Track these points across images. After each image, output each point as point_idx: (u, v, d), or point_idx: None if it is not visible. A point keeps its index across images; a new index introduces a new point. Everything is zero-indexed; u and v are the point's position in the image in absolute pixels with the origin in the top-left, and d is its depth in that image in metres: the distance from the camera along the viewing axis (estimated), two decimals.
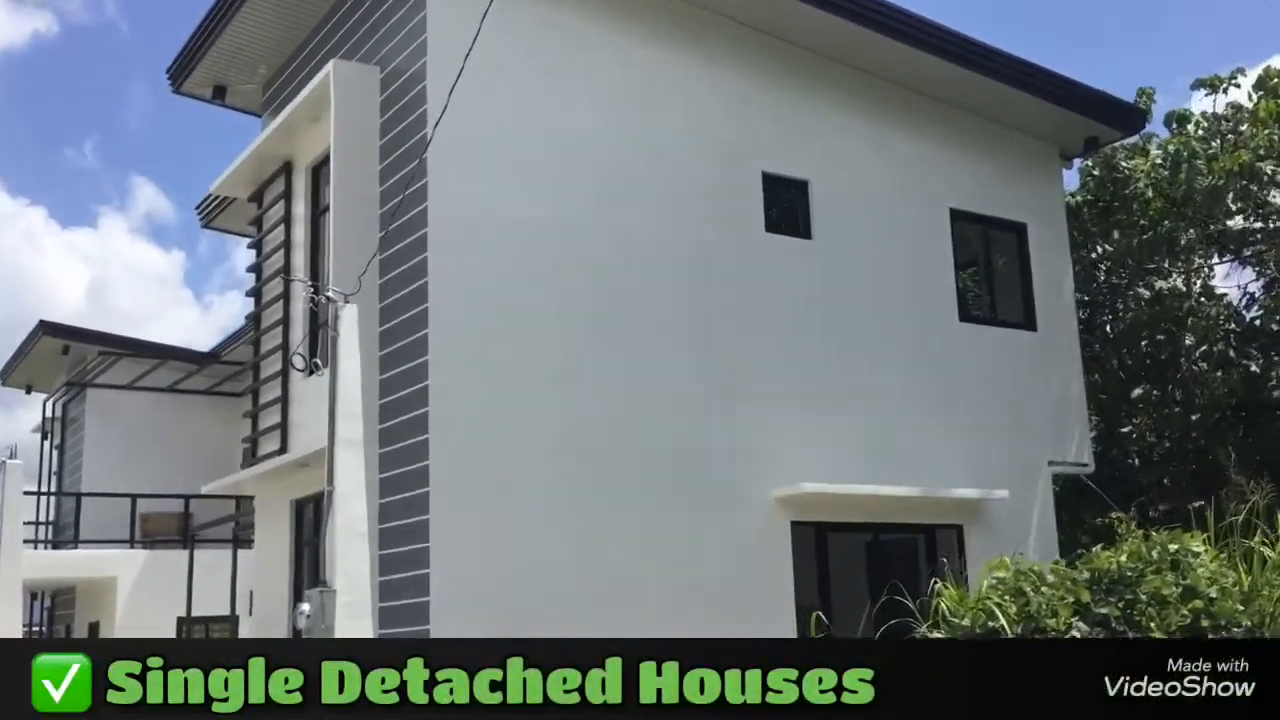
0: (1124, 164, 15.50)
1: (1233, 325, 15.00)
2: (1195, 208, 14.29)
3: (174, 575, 16.49)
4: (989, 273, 14.75)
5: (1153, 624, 5.18)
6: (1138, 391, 16.50)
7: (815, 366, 12.41)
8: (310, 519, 12.06)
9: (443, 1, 10.98)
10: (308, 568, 12.17)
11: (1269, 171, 13.34)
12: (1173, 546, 5.66)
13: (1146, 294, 15.95)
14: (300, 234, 12.93)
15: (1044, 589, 5.61)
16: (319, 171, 12.90)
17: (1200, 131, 15.49)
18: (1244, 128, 14.64)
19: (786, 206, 12.93)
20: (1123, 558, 5.63)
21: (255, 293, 13.59)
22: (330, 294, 7.65)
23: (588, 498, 10.68)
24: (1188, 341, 16.15)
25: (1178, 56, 37.86)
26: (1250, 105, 15.52)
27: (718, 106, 12.42)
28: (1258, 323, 15.35)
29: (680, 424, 11.38)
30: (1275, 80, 15.45)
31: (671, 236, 11.77)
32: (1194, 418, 15.40)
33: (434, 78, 10.69)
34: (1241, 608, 5.35)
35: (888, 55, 13.26)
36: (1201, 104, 18.00)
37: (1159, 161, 14.96)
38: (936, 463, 12.91)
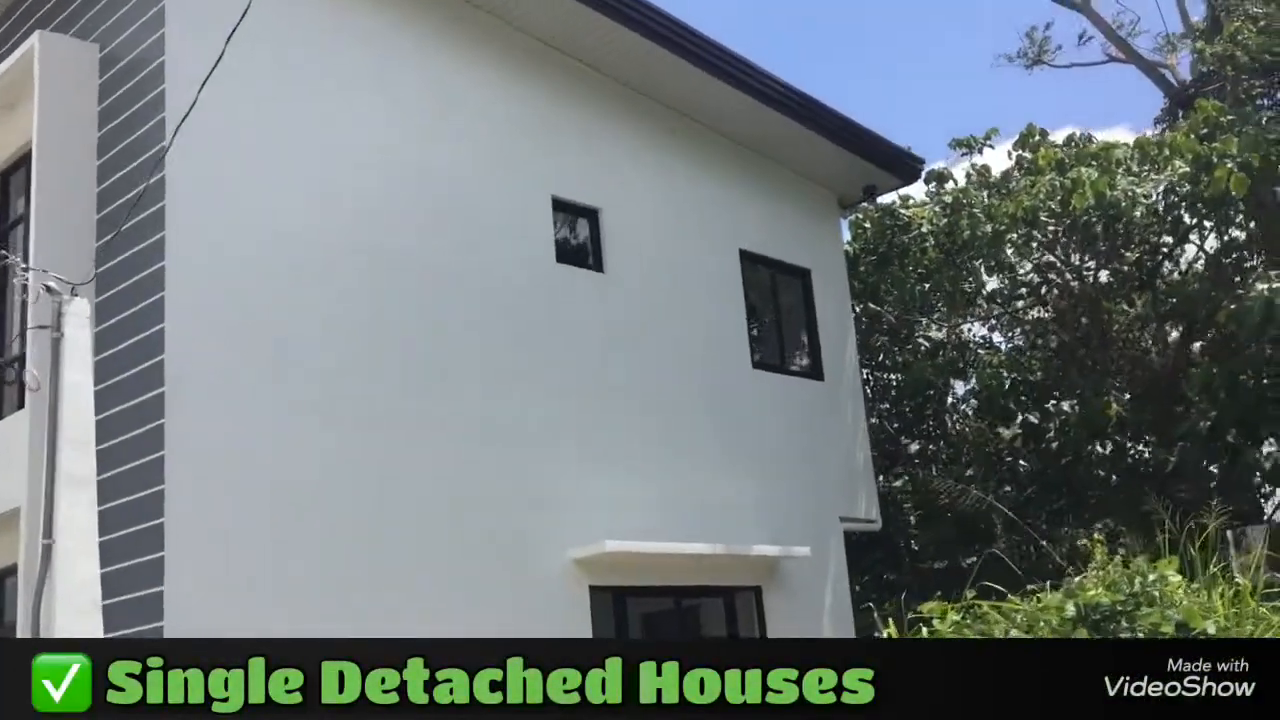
0: (903, 211, 15.55)
1: (1014, 375, 15.20)
2: (973, 255, 14.44)
3: None
4: (777, 319, 14.28)
5: None
6: (914, 447, 16.48)
7: (607, 412, 11.39)
8: None
9: None
10: None
11: (1044, 219, 13.61)
12: (1151, 576, 4.95)
13: (924, 344, 15.99)
14: None
15: (1015, 632, 4.72)
16: (8, 177, 10.80)
17: (971, 184, 15.82)
18: (1013, 182, 15.02)
19: (577, 237, 11.95)
20: (1103, 590, 4.84)
21: None
22: (51, 283, 5.86)
23: (358, 564, 9.09)
24: (958, 394, 16.31)
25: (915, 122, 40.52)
26: (1010, 161, 16.03)
27: (509, 121, 11.36)
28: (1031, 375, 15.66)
29: (462, 475, 10.02)
30: (1036, 137, 16.06)
31: (455, 262, 10.50)
32: (969, 473, 15.45)
33: (173, 58, 9.05)
34: None
35: (679, 81, 12.64)
36: (958, 163, 18.64)
37: (938, 209, 15.08)
38: (733, 519, 12.10)
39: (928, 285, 15.07)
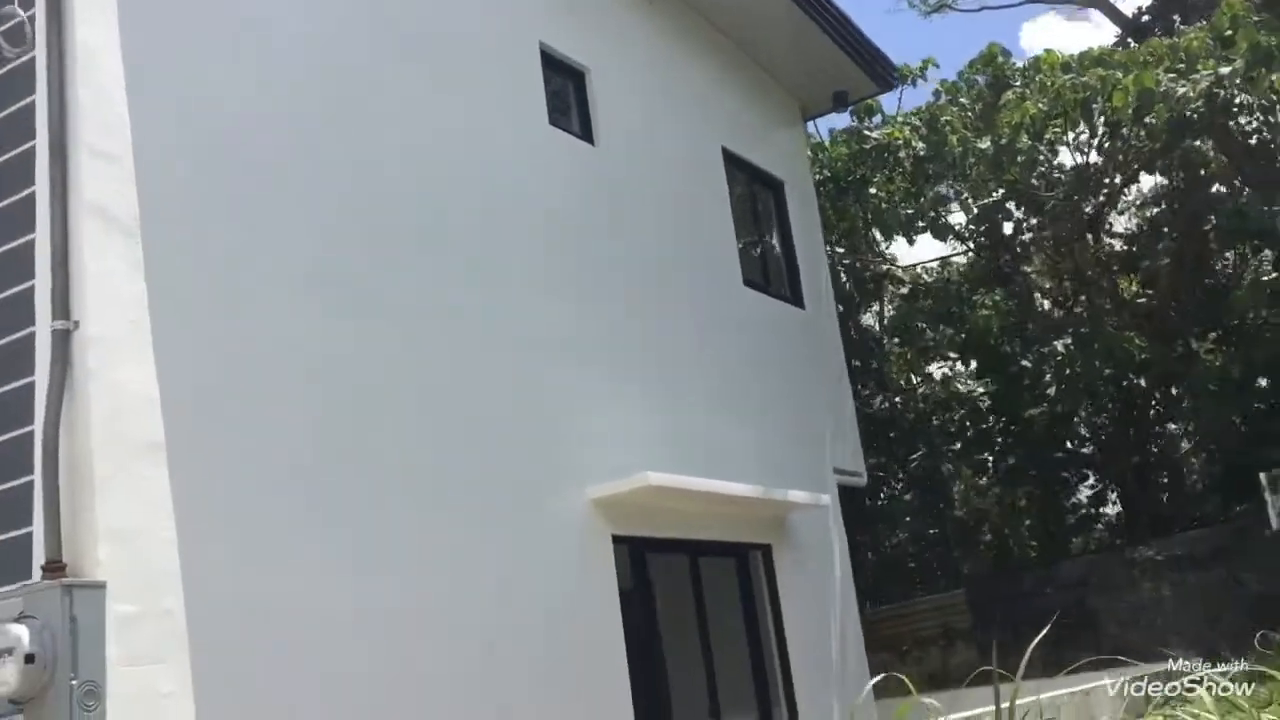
0: (872, 133, 13.98)
1: (1014, 319, 13.74)
2: (960, 175, 12.98)
3: None
4: (758, 233, 12.35)
5: None
6: (880, 401, 14.90)
7: (608, 318, 9.15)
8: None
9: None
10: None
11: (1061, 126, 12.29)
12: None
13: (900, 281, 14.42)
14: None
15: None
16: None
17: (941, 101, 14.42)
18: (981, 103, 13.72)
19: (564, 99, 9.67)
20: None
21: None
22: None
23: (350, 507, 6.51)
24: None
25: None
26: (966, 88, 14.75)
27: None
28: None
29: (461, 384, 7.53)
30: (1000, 58, 14.83)
31: (440, 120, 7.98)
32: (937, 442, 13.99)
33: None
34: None
35: None
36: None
37: (916, 124, 13.58)
38: (738, 460, 10.04)
39: (910, 210, 13.43)
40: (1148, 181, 16.73)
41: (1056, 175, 14.47)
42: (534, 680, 7.34)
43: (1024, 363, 13.31)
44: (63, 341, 3.02)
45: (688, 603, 9.38)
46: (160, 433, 3.17)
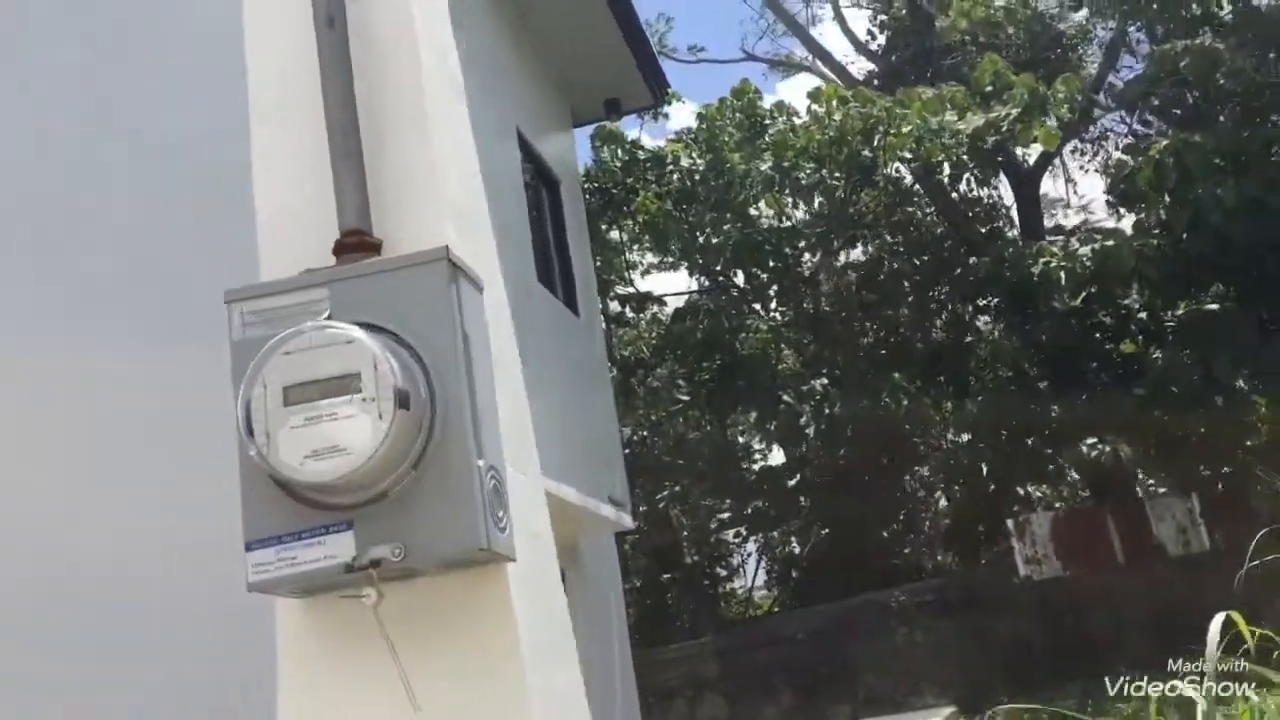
0: (645, 147, 13.33)
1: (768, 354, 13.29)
2: (737, 196, 12.51)
3: None
4: (541, 230, 11.18)
5: None
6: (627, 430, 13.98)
7: None
8: None
9: None
10: None
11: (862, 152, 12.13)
12: None
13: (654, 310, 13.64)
14: None
15: None
16: None
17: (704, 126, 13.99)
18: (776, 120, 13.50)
19: None
20: None
21: None
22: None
23: None
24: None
25: None
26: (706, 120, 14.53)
27: None
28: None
29: None
30: (752, 94, 14.73)
31: None
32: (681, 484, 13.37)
33: None
34: None
35: None
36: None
37: (691, 141, 13.06)
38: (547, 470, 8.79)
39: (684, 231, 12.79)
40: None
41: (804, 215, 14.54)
42: None
43: (786, 399, 12.94)
44: None
45: None
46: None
